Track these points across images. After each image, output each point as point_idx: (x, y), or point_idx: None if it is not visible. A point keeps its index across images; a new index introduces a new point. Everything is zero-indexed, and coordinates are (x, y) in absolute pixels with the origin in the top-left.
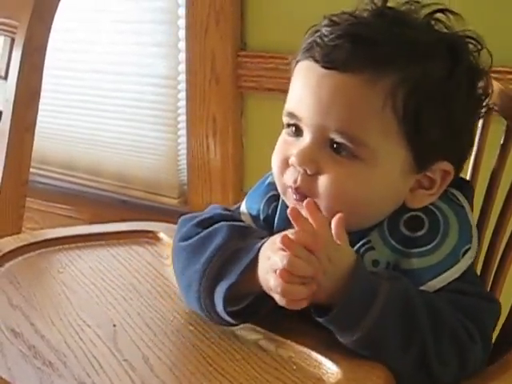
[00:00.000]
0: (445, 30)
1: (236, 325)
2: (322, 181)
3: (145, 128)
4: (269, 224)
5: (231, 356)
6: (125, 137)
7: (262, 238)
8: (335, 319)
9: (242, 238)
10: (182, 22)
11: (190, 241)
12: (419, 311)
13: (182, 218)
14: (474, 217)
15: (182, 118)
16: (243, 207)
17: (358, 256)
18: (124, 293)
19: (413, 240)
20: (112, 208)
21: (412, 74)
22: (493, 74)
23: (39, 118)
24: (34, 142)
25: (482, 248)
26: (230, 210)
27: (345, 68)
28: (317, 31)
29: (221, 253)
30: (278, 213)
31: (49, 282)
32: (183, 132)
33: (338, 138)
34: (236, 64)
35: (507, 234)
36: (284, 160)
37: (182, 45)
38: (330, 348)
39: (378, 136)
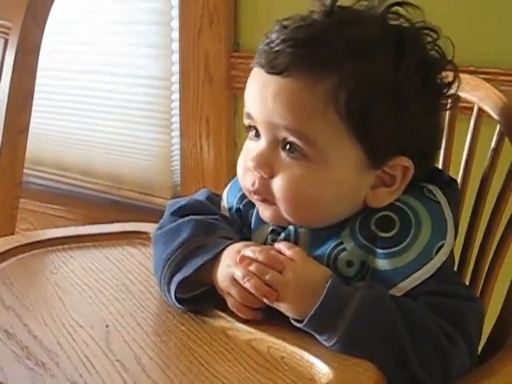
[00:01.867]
0: (404, 24)
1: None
2: (277, 183)
3: (138, 129)
4: (242, 219)
5: (223, 356)
6: (118, 137)
7: (228, 238)
8: (311, 323)
9: (207, 235)
10: (175, 23)
11: (163, 230)
12: (394, 318)
13: (169, 202)
14: (464, 218)
15: (176, 118)
16: (223, 199)
17: (330, 271)
18: (117, 293)
19: (383, 240)
20: (105, 209)
21: (353, 74)
22: (485, 76)
23: (32, 119)
24: (28, 143)
25: (473, 251)
26: (218, 195)
27: (285, 73)
28: (267, 37)
29: (184, 247)
30: (254, 214)
31: (42, 282)
32: (176, 133)
33: (288, 136)
34: (229, 65)
35: (497, 237)
36: (246, 160)
37: (176, 46)
38: (322, 349)
39: (326, 136)
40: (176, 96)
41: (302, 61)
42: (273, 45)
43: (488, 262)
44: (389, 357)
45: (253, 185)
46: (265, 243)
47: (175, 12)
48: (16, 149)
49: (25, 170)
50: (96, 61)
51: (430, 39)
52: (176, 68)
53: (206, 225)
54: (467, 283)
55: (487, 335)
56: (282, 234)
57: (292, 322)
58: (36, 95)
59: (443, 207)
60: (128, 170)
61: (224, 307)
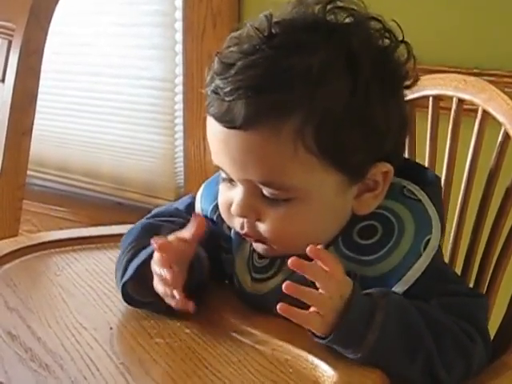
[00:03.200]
0: (344, 20)
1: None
2: (264, 227)
3: (142, 130)
4: (218, 229)
5: (227, 359)
6: (122, 139)
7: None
8: (336, 340)
9: (151, 237)
10: (179, 25)
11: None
12: (417, 322)
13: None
14: (469, 220)
15: (179, 120)
16: (197, 203)
17: (354, 282)
18: (121, 295)
19: (368, 247)
20: (109, 210)
21: (313, 108)
22: (490, 77)
23: (36, 121)
24: (31, 145)
25: (478, 252)
26: None
27: (244, 127)
28: (212, 80)
29: (127, 251)
30: (233, 230)
31: (46, 284)
32: (180, 134)
33: (265, 189)
34: None
35: (502, 239)
36: (227, 206)
37: (179, 47)
38: (326, 351)
39: (303, 176)
40: (179, 98)
41: (260, 111)
42: (221, 93)
43: (493, 264)
44: (416, 364)
45: (242, 228)
46: (249, 258)
47: (179, 14)
48: (19, 150)
49: (28, 172)
50: (99, 62)
51: (376, 27)
52: (179, 70)
53: (154, 227)
54: (472, 284)
55: (492, 337)
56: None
57: (313, 337)
58: (40, 97)
59: (425, 205)
60: (131, 171)
61: (229, 309)
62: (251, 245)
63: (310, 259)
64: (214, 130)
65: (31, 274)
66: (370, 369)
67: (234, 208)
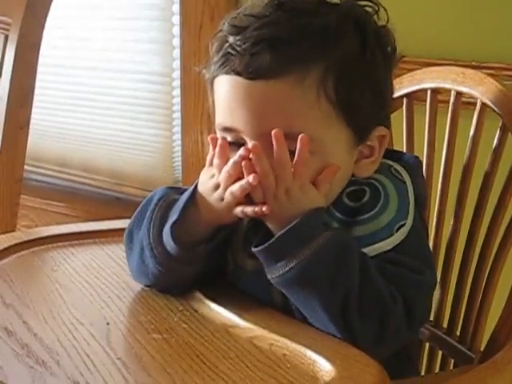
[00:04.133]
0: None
1: (185, 263)
2: None
3: (139, 125)
4: None
5: (225, 354)
6: (119, 134)
7: None
8: (274, 246)
9: (178, 193)
10: (176, 19)
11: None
12: (353, 262)
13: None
14: (468, 213)
15: (177, 114)
16: None
17: (321, 209)
18: (118, 291)
19: (355, 209)
20: (106, 205)
21: (333, 61)
22: (488, 70)
23: (33, 116)
24: (29, 140)
25: (476, 245)
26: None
27: (270, 75)
28: (225, 41)
29: (160, 203)
30: None
31: (42, 280)
32: (178, 129)
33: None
34: None
35: (501, 232)
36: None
37: (177, 41)
38: (324, 346)
39: (321, 126)
40: (177, 92)
41: (286, 59)
42: (241, 48)
43: (492, 257)
44: (334, 296)
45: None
46: (245, 236)
47: (176, 7)
48: (16, 145)
49: (26, 167)
50: (97, 57)
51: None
52: (177, 64)
53: (177, 188)
54: (471, 278)
55: (491, 331)
56: (264, 229)
57: (253, 249)
58: (37, 91)
59: (408, 188)
60: (129, 166)
61: (226, 304)
62: (248, 221)
63: None
64: (231, 87)
65: (28, 269)
66: (367, 362)
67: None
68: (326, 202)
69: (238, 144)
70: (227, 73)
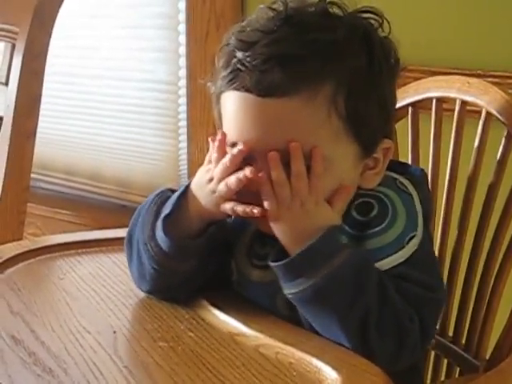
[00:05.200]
0: (340, 13)
1: (177, 259)
2: None
3: (145, 133)
4: None
5: (231, 362)
6: (125, 142)
7: None
8: (294, 263)
9: (174, 191)
10: (182, 27)
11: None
12: (371, 280)
13: None
14: (473, 222)
15: (183, 123)
16: None
17: (338, 226)
18: (124, 299)
19: (365, 223)
20: (113, 213)
21: (343, 76)
22: (493, 79)
23: (40, 124)
24: (35, 148)
25: (482, 253)
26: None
27: (282, 93)
28: (232, 56)
29: (155, 200)
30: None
31: (49, 288)
32: (184, 137)
33: None
34: None
35: (507, 240)
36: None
37: (183, 50)
38: (330, 355)
39: (330, 143)
40: (183, 100)
41: (297, 77)
42: (251, 64)
43: (497, 266)
44: (353, 315)
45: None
46: (250, 246)
47: (182, 16)
48: (23, 153)
49: (32, 175)
50: (103, 65)
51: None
52: (183, 72)
53: (168, 190)
54: (476, 286)
55: (496, 340)
56: (271, 241)
57: (271, 264)
58: (44, 100)
59: (414, 200)
60: (135, 174)
61: (232, 312)
62: (253, 232)
63: None
64: (241, 104)
65: (35, 277)
66: (373, 371)
67: (251, 171)
68: (339, 220)
69: (246, 159)
70: (236, 89)
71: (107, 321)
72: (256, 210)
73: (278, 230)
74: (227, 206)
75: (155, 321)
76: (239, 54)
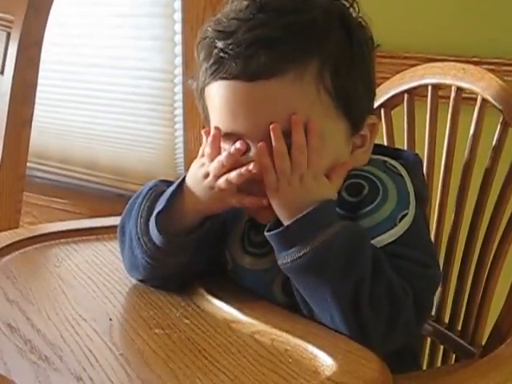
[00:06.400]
0: None
1: (170, 254)
2: None
3: (141, 121)
4: None
5: (227, 349)
6: (121, 130)
7: None
8: (288, 231)
9: (168, 185)
10: (178, 16)
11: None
12: (366, 253)
13: None
14: (469, 208)
15: (179, 111)
16: None
17: (334, 201)
18: (120, 287)
19: (356, 204)
20: (109, 202)
21: (326, 54)
22: (489, 66)
23: (36, 113)
24: (31, 137)
25: (477, 241)
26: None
27: (269, 74)
28: (213, 47)
29: (149, 194)
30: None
31: (45, 276)
32: (180, 125)
33: (288, 138)
34: None
35: (502, 227)
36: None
37: (178, 38)
38: (326, 341)
39: (322, 120)
40: (179, 88)
41: (283, 58)
42: (234, 52)
43: (493, 252)
44: (347, 283)
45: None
46: (244, 234)
47: (178, 4)
48: (19, 142)
49: (28, 164)
50: (98, 54)
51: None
52: (179, 60)
53: (166, 181)
54: (471, 273)
55: (491, 326)
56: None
57: (266, 234)
58: (39, 88)
59: (405, 180)
60: (132, 162)
61: (227, 299)
62: (247, 220)
63: None
64: (229, 92)
65: (31, 265)
66: (369, 357)
67: (254, 165)
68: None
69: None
70: (223, 78)
71: (103, 308)
72: (265, 201)
73: (276, 203)
74: (233, 200)
75: (151, 308)
76: (220, 44)
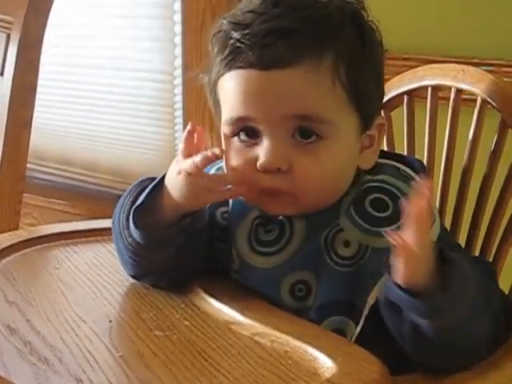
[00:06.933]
0: None
1: (150, 248)
2: (299, 171)
3: (141, 123)
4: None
5: (226, 351)
6: (121, 132)
7: None
8: (441, 302)
9: (153, 180)
10: (177, 17)
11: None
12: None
13: None
14: (468, 210)
15: (179, 112)
16: None
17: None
18: (120, 288)
19: (381, 219)
20: (109, 203)
21: (341, 48)
22: (488, 67)
23: (36, 114)
24: (31, 138)
25: (477, 243)
26: None
27: (285, 64)
28: (228, 39)
29: (133, 190)
30: (231, 205)
31: (45, 278)
32: (180, 126)
33: (302, 123)
34: None
35: (502, 229)
36: (250, 165)
37: (178, 39)
38: (326, 343)
39: (335, 110)
40: (179, 90)
41: (299, 48)
42: (250, 41)
43: (492, 255)
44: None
45: (273, 182)
46: (251, 232)
47: (178, 5)
48: (19, 143)
49: (28, 165)
50: (98, 55)
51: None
52: (179, 62)
53: (152, 177)
54: None
55: None
56: (277, 229)
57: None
58: (39, 90)
59: None
60: (132, 164)
61: (227, 301)
62: (255, 218)
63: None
64: (244, 80)
65: (30, 267)
66: (369, 359)
67: (264, 160)
68: (339, 193)
69: (249, 134)
70: (238, 67)
71: (103, 310)
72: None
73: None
74: (211, 197)
75: (151, 310)
76: (236, 34)
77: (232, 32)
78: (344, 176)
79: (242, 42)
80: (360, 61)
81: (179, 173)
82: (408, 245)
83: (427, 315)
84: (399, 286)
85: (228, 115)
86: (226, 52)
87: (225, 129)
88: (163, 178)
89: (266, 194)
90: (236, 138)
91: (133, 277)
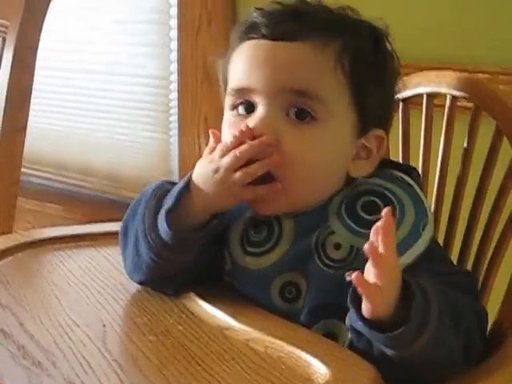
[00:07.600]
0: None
1: (177, 251)
2: (285, 149)
3: (137, 128)
4: None
5: (220, 356)
6: (116, 137)
7: None
8: (402, 335)
9: (173, 185)
10: (173, 22)
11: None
12: (454, 303)
13: None
14: (463, 218)
15: (174, 117)
16: None
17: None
18: (114, 293)
19: (372, 222)
20: (104, 208)
21: (350, 42)
22: (484, 75)
23: (31, 118)
24: (26, 142)
25: (471, 251)
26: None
27: (294, 37)
28: (251, 21)
29: (156, 192)
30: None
31: (39, 282)
32: (175, 132)
33: (299, 98)
34: None
35: (496, 237)
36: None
37: (174, 45)
38: (319, 349)
39: (333, 92)
40: (174, 95)
41: (309, 26)
42: (267, 18)
43: (487, 262)
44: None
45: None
46: (243, 233)
47: (173, 11)
48: (14, 147)
49: (23, 169)
50: (94, 60)
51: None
52: (174, 67)
53: (171, 181)
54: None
55: (491, 326)
56: (265, 229)
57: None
58: (34, 94)
59: (415, 188)
60: (126, 169)
61: (221, 306)
62: (246, 219)
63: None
64: (253, 49)
65: (24, 271)
66: (362, 365)
67: (253, 124)
68: (326, 193)
69: (246, 108)
70: (251, 38)
71: (97, 314)
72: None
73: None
74: (245, 193)
75: (145, 314)
76: (256, 13)
77: (254, 14)
78: (332, 172)
79: (259, 18)
80: (368, 63)
81: (216, 171)
82: (372, 285)
83: (391, 346)
84: (363, 318)
85: (230, 86)
86: (245, 26)
87: (227, 101)
88: (189, 180)
89: (256, 182)
90: (235, 112)
91: (140, 283)
